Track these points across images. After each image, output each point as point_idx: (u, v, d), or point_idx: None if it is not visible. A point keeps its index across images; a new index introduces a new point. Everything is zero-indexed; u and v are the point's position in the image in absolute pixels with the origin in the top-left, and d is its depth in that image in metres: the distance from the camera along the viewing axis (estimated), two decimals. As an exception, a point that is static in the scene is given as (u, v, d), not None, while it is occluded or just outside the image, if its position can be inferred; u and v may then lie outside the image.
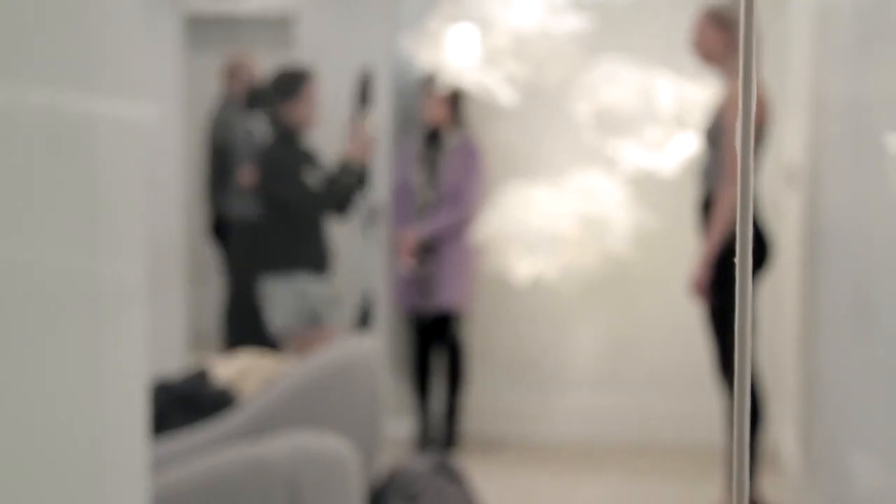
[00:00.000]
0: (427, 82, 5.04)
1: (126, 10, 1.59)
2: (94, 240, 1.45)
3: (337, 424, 2.83)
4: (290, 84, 4.41)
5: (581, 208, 4.87)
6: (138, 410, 1.48)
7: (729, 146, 3.89)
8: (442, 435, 5.18)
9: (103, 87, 1.53)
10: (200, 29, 7.15)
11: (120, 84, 1.57)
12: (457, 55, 4.76)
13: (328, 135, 5.22)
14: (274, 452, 2.06)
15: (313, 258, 4.32)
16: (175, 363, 5.14)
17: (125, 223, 1.48)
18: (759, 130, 3.93)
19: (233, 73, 5.66)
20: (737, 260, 0.83)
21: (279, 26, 6.75)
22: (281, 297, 4.27)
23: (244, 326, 5.54)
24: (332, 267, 4.54)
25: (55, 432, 1.24)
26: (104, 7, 1.52)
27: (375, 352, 3.11)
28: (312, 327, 4.27)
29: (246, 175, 5.35)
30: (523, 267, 4.87)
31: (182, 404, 3.00)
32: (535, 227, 4.78)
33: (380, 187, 5.48)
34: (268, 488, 2.03)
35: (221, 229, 5.65)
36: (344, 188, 4.30)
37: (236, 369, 3.20)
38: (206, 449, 2.49)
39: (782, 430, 4.80)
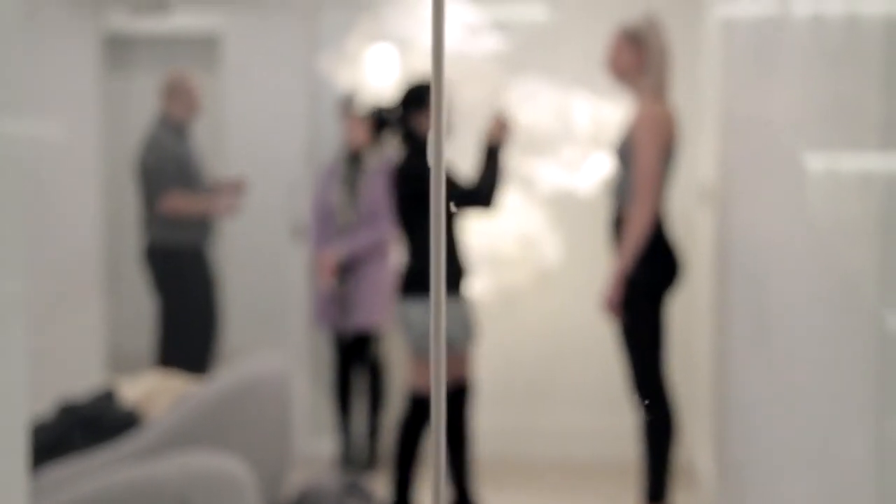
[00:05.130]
0: (346, 103, 5.06)
1: (7, 25, 1.58)
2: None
3: (243, 444, 2.81)
4: (420, 95, 4.19)
5: (509, 227, 4.92)
6: (18, 424, 1.46)
7: (640, 165, 3.94)
8: (363, 455, 5.17)
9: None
10: (125, 48, 7.10)
11: (2, 101, 1.56)
12: (376, 75, 4.77)
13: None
14: (164, 473, 2.05)
15: (448, 278, 4.07)
16: (94, 383, 5.08)
17: (6, 238, 1.47)
18: (668, 148, 3.99)
19: (171, 92, 5.47)
20: (431, 274, 0.84)
21: (205, 46, 6.73)
22: (415, 322, 4.06)
23: (182, 351, 5.45)
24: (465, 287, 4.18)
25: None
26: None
27: (284, 370, 3.10)
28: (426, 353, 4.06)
29: (169, 201, 5.26)
30: None
31: (87, 426, 2.97)
32: (470, 247, 4.81)
33: (301, 207, 5.47)
34: (157, 507, 2.01)
35: (155, 254, 5.47)
36: (489, 179, 4.06)
37: (144, 390, 3.17)
38: (104, 470, 2.46)
39: (697, 445, 4.86)
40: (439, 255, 0.82)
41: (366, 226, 5.04)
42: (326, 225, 5.13)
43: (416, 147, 4.14)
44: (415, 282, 4.07)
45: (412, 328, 4.06)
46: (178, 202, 5.27)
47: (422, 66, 4.78)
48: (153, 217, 5.36)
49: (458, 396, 4.17)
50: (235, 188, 5.42)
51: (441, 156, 0.80)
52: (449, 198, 3.95)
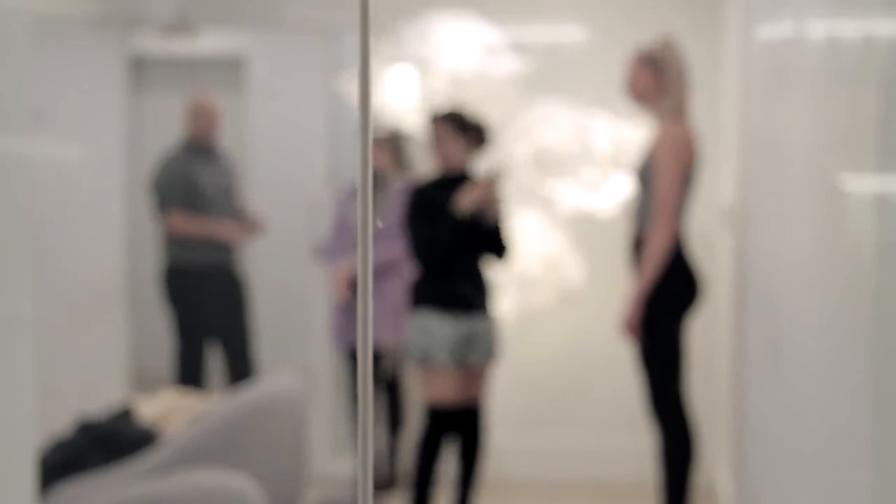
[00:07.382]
0: (366, 124, 5.09)
1: (18, 44, 1.60)
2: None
3: (258, 462, 2.83)
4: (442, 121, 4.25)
5: (532, 248, 4.92)
6: (26, 436, 1.48)
7: (659, 186, 3.94)
8: (383, 474, 5.17)
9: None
10: (151, 69, 7.16)
11: (7, 121, 1.58)
12: (395, 97, 4.80)
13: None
14: (169, 490, 2.06)
15: (439, 296, 4.16)
16: (115, 401, 5.11)
17: (13, 258, 1.48)
18: (688, 170, 3.99)
19: (191, 113, 5.53)
20: (358, 297, 0.86)
21: (230, 67, 6.79)
22: (420, 332, 4.16)
23: (199, 373, 5.47)
24: (473, 307, 4.19)
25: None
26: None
27: (300, 389, 3.12)
28: (424, 365, 4.14)
29: (172, 220, 5.29)
30: None
31: (104, 444, 2.99)
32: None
33: (322, 228, 5.50)
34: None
35: (173, 278, 5.49)
36: (484, 231, 4.17)
37: (160, 408, 3.19)
38: (119, 488, 2.48)
39: (717, 466, 4.83)
40: (366, 265, 0.84)
41: (382, 242, 5.05)
42: (343, 241, 5.14)
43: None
44: (423, 295, 4.11)
45: (417, 339, 4.12)
46: (180, 222, 5.28)
47: (441, 87, 4.81)
48: (172, 237, 5.39)
49: (471, 414, 4.20)
50: (252, 225, 5.46)
51: (367, 178, 0.82)
52: (481, 235, 3.90)
